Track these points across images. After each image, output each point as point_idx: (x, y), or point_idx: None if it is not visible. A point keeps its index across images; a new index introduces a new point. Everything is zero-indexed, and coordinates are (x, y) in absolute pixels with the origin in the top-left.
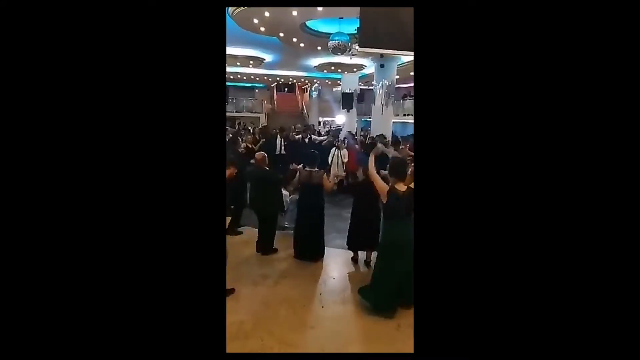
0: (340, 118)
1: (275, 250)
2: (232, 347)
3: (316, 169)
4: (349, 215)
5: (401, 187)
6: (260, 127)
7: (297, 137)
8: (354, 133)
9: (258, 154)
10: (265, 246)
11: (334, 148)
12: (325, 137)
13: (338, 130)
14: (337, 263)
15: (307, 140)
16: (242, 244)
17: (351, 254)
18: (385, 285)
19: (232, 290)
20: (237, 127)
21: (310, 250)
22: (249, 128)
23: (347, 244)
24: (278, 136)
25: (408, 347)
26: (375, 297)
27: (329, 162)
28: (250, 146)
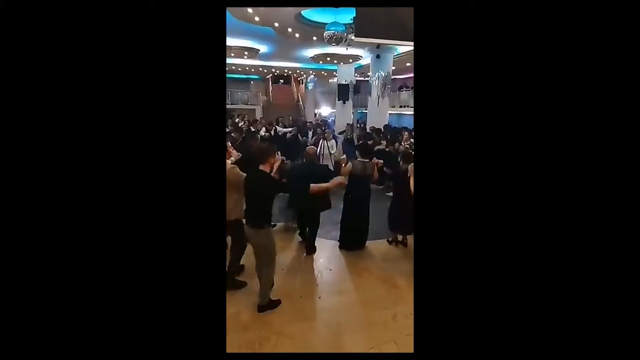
0: (325, 110)
1: None
2: (230, 339)
3: (368, 160)
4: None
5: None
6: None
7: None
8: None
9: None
10: None
11: (321, 139)
12: (291, 129)
13: (324, 122)
14: (333, 255)
15: (272, 132)
16: None
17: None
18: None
19: (279, 302)
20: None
21: (356, 240)
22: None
23: (339, 239)
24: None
25: (404, 336)
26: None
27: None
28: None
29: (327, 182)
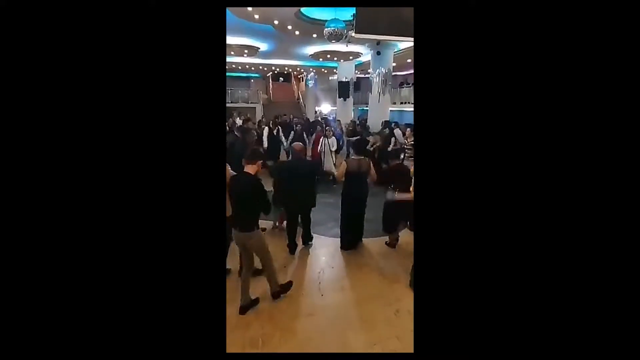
0: (326, 107)
1: None
2: (234, 336)
3: (363, 157)
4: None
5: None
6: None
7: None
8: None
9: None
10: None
11: (322, 137)
12: (292, 137)
13: (325, 119)
14: (335, 252)
15: (275, 133)
16: None
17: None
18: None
19: (290, 284)
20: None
21: (354, 235)
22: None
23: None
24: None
25: (406, 332)
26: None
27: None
28: None
29: (315, 178)
